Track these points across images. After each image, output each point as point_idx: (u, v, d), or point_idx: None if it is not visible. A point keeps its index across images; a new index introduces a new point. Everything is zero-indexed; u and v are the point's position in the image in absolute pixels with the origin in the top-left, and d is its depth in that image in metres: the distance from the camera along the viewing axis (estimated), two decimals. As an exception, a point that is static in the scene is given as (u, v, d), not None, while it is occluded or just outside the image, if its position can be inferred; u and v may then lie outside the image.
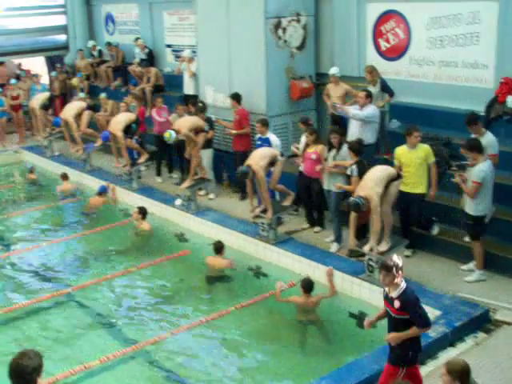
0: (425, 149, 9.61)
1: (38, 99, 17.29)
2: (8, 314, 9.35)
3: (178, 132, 12.12)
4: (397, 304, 5.94)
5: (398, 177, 9.25)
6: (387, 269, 5.94)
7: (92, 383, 7.73)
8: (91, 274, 10.67)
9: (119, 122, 13.82)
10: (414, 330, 5.96)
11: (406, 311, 5.92)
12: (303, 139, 11.35)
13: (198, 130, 12.41)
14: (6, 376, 4.20)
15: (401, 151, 9.76)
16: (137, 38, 18.56)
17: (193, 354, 8.27)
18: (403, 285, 6.03)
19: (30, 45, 21.92)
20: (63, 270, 10.97)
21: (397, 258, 6.03)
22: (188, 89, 15.72)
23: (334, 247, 10.42)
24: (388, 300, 6.10)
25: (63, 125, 15.85)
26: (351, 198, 8.90)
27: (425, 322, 5.97)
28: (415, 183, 9.60)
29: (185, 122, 12.36)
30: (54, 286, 10.27)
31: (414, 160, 9.55)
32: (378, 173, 9.03)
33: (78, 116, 15.87)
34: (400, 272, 5.98)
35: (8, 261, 11.40)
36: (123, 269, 10.67)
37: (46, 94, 17.82)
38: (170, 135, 12.08)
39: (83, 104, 16.30)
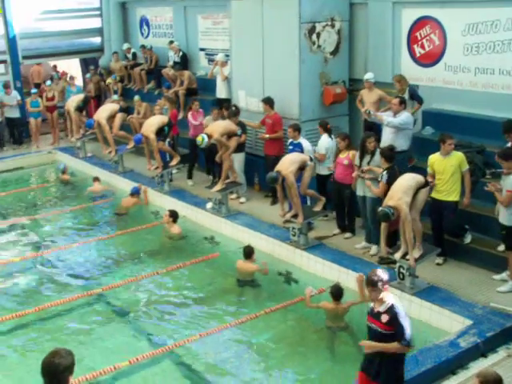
0: (458, 156, 9.51)
1: (74, 101, 17.44)
2: (39, 312, 9.45)
3: (210, 137, 12.15)
4: (385, 318, 5.87)
5: (426, 184, 9.17)
6: (373, 284, 5.90)
7: (121, 384, 7.81)
8: (122, 274, 10.76)
9: (152, 124, 13.91)
10: (394, 345, 5.87)
11: (394, 325, 5.83)
12: (321, 143, 11.53)
13: (230, 135, 12.44)
14: (39, 374, 4.25)
15: (434, 159, 9.67)
16: (171, 42, 18.67)
17: (221, 356, 8.29)
18: (390, 299, 5.95)
19: (65, 47, 22.19)
20: (94, 270, 11.08)
21: (381, 272, 6.00)
22: (220, 92, 15.78)
23: (373, 250, 10.35)
24: (373, 315, 6.01)
25: (96, 126, 16.01)
26: (380, 209, 8.85)
27: (406, 337, 5.82)
28: (448, 191, 9.50)
29: (217, 128, 12.37)
30: (85, 286, 10.38)
31: (447, 168, 9.45)
32: (407, 182, 8.95)
33: (111, 118, 16.02)
34: (386, 286, 5.95)
35: (39, 261, 11.53)
36: (153, 270, 10.73)
37: (81, 96, 17.99)
38: (202, 139, 12.11)
39: (116, 106, 16.46)
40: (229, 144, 12.35)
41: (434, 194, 9.59)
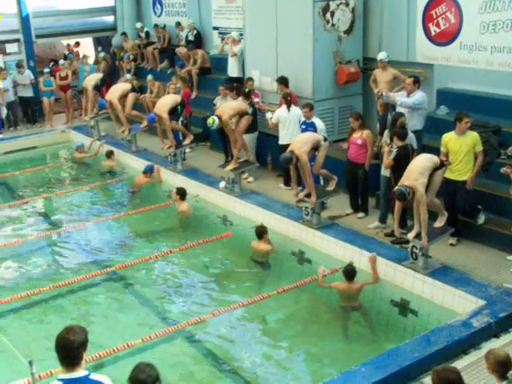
0: (473, 136, 9.43)
1: (92, 80, 17.40)
2: (53, 290, 9.51)
3: (220, 118, 12.11)
4: None
5: (442, 165, 9.10)
6: None
7: (134, 361, 7.78)
8: (135, 253, 10.79)
9: (165, 104, 13.87)
10: None
11: None
12: (276, 112, 12.16)
13: (241, 114, 12.38)
14: (53, 350, 4.30)
15: (448, 138, 9.59)
16: (178, 23, 18.66)
17: (234, 335, 8.32)
18: None
19: (78, 26, 22.19)
20: (108, 248, 11.13)
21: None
22: (232, 71, 15.66)
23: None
24: None
25: (108, 106, 15.97)
26: (396, 188, 8.80)
27: None
28: (462, 171, 9.44)
29: (228, 109, 12.28)
30: (99, 264, 10.44)
31: (462, 147, 9.37)
32: (423, 163, 8.87)
33: (124, 97, 15.98)
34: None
35: (54, 239, 11.63)
36: (167, 249, 10.77)
37: (100, 75, 17.97)
38: (213, 121, 12.06)
39: (128, 86, 16.34)
40: (232, 131, 12.31)
41: (447, 174, 9.51)
